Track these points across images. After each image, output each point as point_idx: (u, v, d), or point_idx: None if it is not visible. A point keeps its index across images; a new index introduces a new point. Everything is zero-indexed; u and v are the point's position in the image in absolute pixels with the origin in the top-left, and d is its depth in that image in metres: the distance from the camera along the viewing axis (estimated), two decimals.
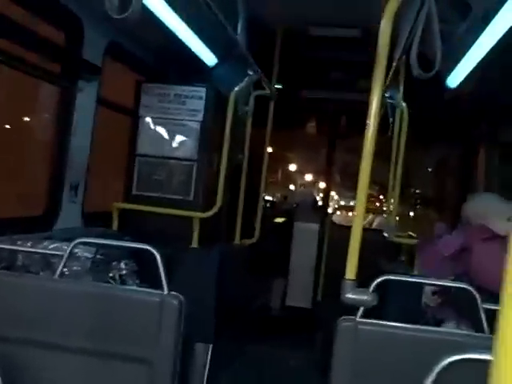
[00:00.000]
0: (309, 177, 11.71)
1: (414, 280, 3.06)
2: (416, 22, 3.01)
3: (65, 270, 2.93)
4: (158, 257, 2.75)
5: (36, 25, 3.94)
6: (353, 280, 2.64)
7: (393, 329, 2.59)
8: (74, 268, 3.14)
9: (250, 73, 5.42)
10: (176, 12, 4.68)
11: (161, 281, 2.77)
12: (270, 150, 6.79)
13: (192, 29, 5.15)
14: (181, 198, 5.43)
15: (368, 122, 2.74)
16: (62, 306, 2.79)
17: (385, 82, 2.98)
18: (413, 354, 2.44)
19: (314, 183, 11.18)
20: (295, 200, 9.11)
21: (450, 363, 1.74)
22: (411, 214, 10.70)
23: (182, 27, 5.02)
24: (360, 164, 2.73)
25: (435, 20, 2.94)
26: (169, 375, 2.70)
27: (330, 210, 8.75)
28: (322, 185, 8.99)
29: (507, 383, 0.70)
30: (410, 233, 7.04)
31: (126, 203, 5.35)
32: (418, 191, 10.67)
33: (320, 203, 8.76)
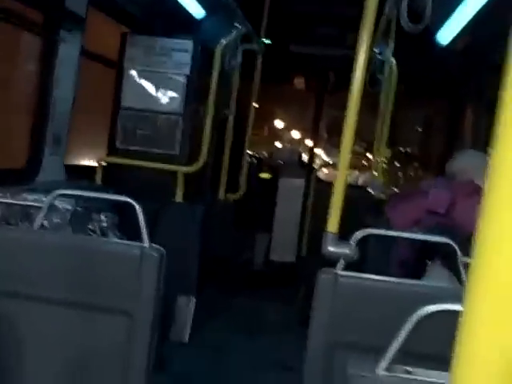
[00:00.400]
0: (296, 134, 11.64)
1: (395, 234, 3.06)
2: None
3: (44, 221, 2.89)
4: (139, 209, 2.72)
5: None
6: (334, 233, 2.63)
7: (372, 281, 2.60)
8: (54, 220, 3.11)
9: (238, 26, 5.33)
10: None
11: (141, 233, 2.74)
12: (256, 105, 6.73)
13: None
14: (166, 152, 5.39)
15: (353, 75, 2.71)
16: (41, 258, 2.77)
17: (374, 37, 2.93)
18: (392, 307, 2.45)
19: (301, 140, 11.13)
20: (281, 157, 9.07)
21: (427, 314, 1.74)
22: (400, 173, 10.71)
23: None
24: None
25: None
26: (149, 327, 2.70)
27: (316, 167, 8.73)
28: (309, 143, 8.95)
29: (475, 333, 0.70)
30: (395, 189, 7.05)
31: (110, 157, 5.30)
32: (405, 149, 10.65)
33: (306, 160, 8.74)
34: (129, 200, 2.76)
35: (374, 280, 2.61)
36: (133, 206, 2.77)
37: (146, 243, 2.74)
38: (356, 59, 2.70)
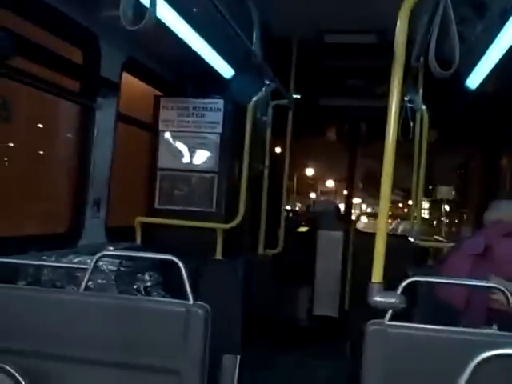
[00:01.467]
0: (330, 184, 11.71)
1: (443, 281, 3.02)
2: (432, 21, 3.00)
3: (90, 283, 2.94)
4: (182, 266, 2.75)
5: (53, 43, 3.99)
6: (379, 283, 2.62)
7: (423, 331, 2.56)
8: (99, 281, 3.16)
9: (267, 82, 5.44)
10: (190, 24, 4.72)
11: (186, 291, 2.77)
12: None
13: (207, 41, 5.19)
14: (203, 210, 5.46)
15: (388, 126, 2.74)
16: (87, 320, 2.80)
17: (403, 85, 2.97)
18: (445, 356, 2.41)
19: (336, 191, 11.16)
20: (318, 209, 9.08)
21: (485, 359, 1.70)
22: (443, 219, 10.63)
23: (197, 40, 5.05)
24: (382, 170, 2.72)
25: (452, 19, 2.93)
26: None
27: (353, 218, 8.71)
28: (344, 192, 8.98)
29: None
30: (437, 236, 6.99)
31: (149, 217, 5.38)
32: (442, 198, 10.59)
33: (343, 211, 8.74)
34: (172, 258, 2.80)
35: (424, 329, 2.57)
36: (176, 264, 2.80)
37: (191, 301, 2.76)
38: (389, 109, 2.74)
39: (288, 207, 9.04)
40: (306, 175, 11.91)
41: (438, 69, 2.84)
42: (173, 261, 2.79)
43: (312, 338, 6.90)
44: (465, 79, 5.60)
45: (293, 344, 6.45)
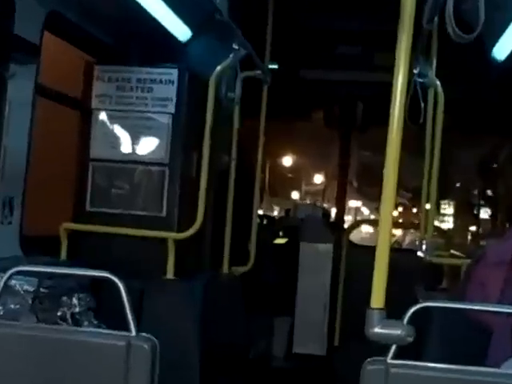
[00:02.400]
0: (317, 181, 11.78)
1: (461, 306, 3.05)
2: None
3: None
4: (122, 287, 2.75)
5: None
6: (381, 309, 2.63)
7: (435, 371, 2.58)
8: (12, 306, 3.13)
9: (236, 48, 5.44)
10: None
11: (127, 319, 2.76)
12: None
13: None
14: (150, 214, 5.45)
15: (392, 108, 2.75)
16: None
17: (412, 54, 2.99)
18: None
19: (324, 190, 11.24)
20: (300, 214, 9.11)
21: None
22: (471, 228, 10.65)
23: None
24: (384, 165, 2.73)
25: None
26: None
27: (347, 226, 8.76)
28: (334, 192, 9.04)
29: None
30: (454, 251, 7.03)
31: (78, 223, 5.35)
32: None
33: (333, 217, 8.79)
34: (109, 276, 2.79)
35: (436, 369, 2.59)
36: (113, 284, 2.79)
37: (133, 332, 2.75)
38: (393, 85, 2.73)
39: (261, 212, 9.05)
40: (285, 170, 11.94)
41: (458, 31, 2.86)
42: (109, 279, 2.78)
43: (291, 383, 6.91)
44: (491, 47, 5.65)
45: None
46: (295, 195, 11.07)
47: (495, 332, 3.50)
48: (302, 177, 12.06)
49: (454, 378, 2.57)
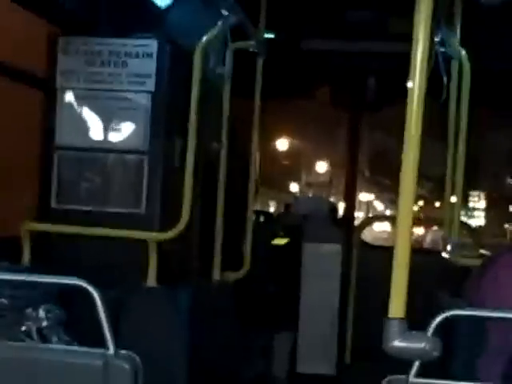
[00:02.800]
0: (321, 170, 11.81)
1: (496, 315, 3.08)
2: None
3: None
4: (98, 297, 2.76)
5: None
6: (401, 319, 2.65)
7: None
8: None
9: (225, 13, 5.45)
10: None
11: (104, 335, 2.78)
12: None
13: None
14: (126, 210, 5.45)
15: (410, 83, 2.76)
16: None
17: (433, 20, 3.00)
18: None
19: (330, 182, 11.26)
20: (302, 210, 9.13)
21: None
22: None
23: None
24: (402, 150, 2.75)
25: None
26: None
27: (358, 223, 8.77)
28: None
29: None
30: (484, 252, 7.06)
31: (43, 223, 5.35)
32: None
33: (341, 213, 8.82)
34: (82, 284, 2.80)
35: None
36: (86, 293, 2.81)
37: (111, 349, 2.77)
38: (412, 55, 2.75)
39: (257, 208, 9.06)
40: (283, 159, 11.96)
41: None
42: (82, 288, 2.79)
43: None
44: None
45: None
46: (295, 187, 11.03)
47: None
48: (303, 165, 12.05)
49: None
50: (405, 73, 2.75)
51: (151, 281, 5.12)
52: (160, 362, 3.67)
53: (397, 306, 2.68)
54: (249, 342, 6.94)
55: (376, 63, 7.97)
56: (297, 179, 11.29)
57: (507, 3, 3.07)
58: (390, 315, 2.68)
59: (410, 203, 2.73)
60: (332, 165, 9.90)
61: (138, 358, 2.82)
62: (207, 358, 5.27)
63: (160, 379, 3.21)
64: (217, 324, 5.90)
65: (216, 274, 6.08)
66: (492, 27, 4.89)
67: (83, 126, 5.55)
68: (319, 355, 7.65)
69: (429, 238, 9.03)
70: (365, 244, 8.12)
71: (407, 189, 2.72)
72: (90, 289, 2.80)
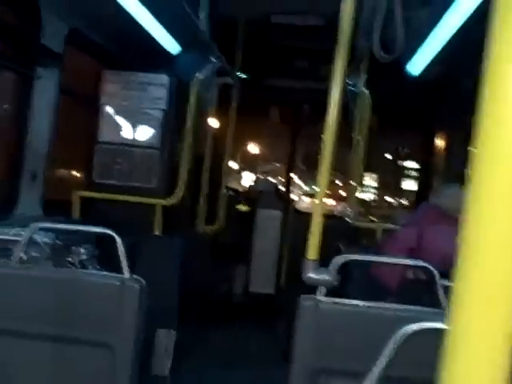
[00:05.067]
0: (273, 165, 11.79)
1: (373, 259, 3.08)
2: (378, 7, 3.01)
3: (23, 256, 2.87)
4: (119, 240, 2.72)
5: None
6: (314, 260, 2.64)
7: (353, 307, 2.61)
8: (33, 254, 3.08)
9: (213, 60, 5.39)
10: None
11: (122, 265, 2.74)
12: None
13: (154, 15, 5.09)
14: (143, 185, 5.40)
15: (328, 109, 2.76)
16: (20, 293, 2.74)
17: (348, 69, 2.99)
18: (374, 331, 2.45)
19: (278, 171, 11.24)
20: (258, 188, 9.08)
21: (408, 333, 1.74)
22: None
23: (144, 13, 4.94)
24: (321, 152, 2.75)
25: (397, 4, 2.95)
26: (130, 360, 2.67)
27: (294, 197, 8.75)
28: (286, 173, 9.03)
29: (458, 349, 0.73)
30: (371, 217, 7.10)
31: (88, 191, 5.29)
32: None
33: (283, 190, 8.78)
34: (108, 231, 2.76)
35: (354, 305, 2.62)
36: (112, 238, 2.76)
37: (127, 274, 2.73)
38: (330, 91, 2.76)
39: (232, 186, 9.03)
40: (249, 155, 11.93)
41: (382, 53, 2.86)
42: (109, 235, 2.75)
43: (247, 314, 6.91)
44: (406, 65, 5.65)
45: (228, 320, 6.46)
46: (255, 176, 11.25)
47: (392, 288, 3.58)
48: (261, 161, 12.10)
49: (369, 312, 2.60)
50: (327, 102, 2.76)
51: (157, 231, 5.09)
52: (160, 286, 3.63)
53: (312, 251, 2.68)
54: (219, 271, 6.92)
55: (310, 95, 7.91)
56: (257, 171, 11.54)
57: (397, 60, 3.05)
58: (307, 256, 2.68)
59: (324, 185, 2.74)
60: (280, 162, 10.03)
61: (144, 282, 2.79)
62: (192, 283, 5.24)
63: (160, 298, 3.17)
64: (199, 261, 5.88)
65: (200, 228, 6.05)
66: (386, 76, 4.87)
67: (117, 129, 5.48)
68: (264, 280, 7.61)
69: (338, 208, 9.13)
70: (296, 211, 8.10)
71: (323, 176, 2.73)
72: (113, 234, 2.76)
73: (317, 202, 2.74)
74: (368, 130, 5.85)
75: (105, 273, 2.89)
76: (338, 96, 2.76)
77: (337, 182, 10.75)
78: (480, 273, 0.75)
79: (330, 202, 10.41)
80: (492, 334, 0.73)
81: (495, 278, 0.73)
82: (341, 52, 2.76)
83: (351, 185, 6.24)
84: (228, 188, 7.53)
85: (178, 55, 6.11)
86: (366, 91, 5.76)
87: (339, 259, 2.66)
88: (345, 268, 2.75)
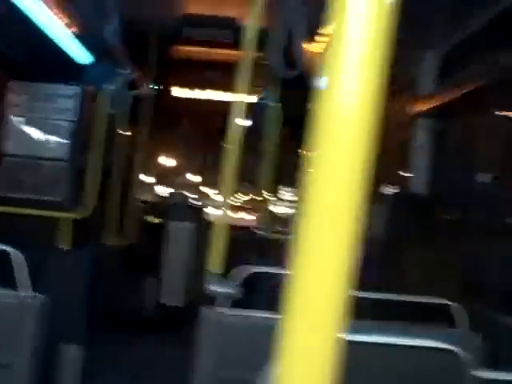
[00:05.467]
0: (189, 177, 11.75)
1: (275, 271, 3.12)
2: (283, 23, 3.06)
3: None
4: (15, 256, 2.64)
5: None
6: (216, 272, 2.65)
7: (252, 318, 2.63)
8: None
9: (125, 72, 5.34)
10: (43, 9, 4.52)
11: (21, 282, 2.65)
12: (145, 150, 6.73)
13: (63, 26, 5.00)
14: (51, 198, 5.25)
15: (234, 119, 2.79)
16: None
17: (255, 82, 3.04)
18: (267, 340, 2.47)
19: (190, 183, 11.21)
20: (170, 200, 9.00)
21: None
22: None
23: (52, 24, 4.85)
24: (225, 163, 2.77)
25: (302, 22, 3.01)
26: (29, 380, 2.59)
27: (209, 210, 8.74)
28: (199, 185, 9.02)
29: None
30: (279, 228, 7.16)
31: None
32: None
33: (195, 203, 8.76)
34: (4, 247, 2.67)
35: (254, 316, 2.63)
36: (10, 254, 2.68)
37: (26, 292, 2.65)
38: (235, 103, 2.80)
39: (145, 199, 8.94)
40: (163, 168, 11.83)
41: (284, 70, 2.92)
42: (5, 251, 2.66)
43: (157, 328, 6.81)
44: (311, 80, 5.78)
45: (139, 334, 6.35)
46: (171, 189, 11.10)
47: None
48: (176, 173, 11.97)
49: (268, 323, 2.62)
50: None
51: (64, 245, 4.98)
52: (67, 302, 3.55)
53: (214, 262, 2.68)
54: (131, 284, 6.81)
55: (223, 106, 7.96)
56: (171, 183, 11.39)
57: (300, 75, 3.12)
58: (210, 268, 2.68)
59: (227, 196, 2.78)
60: (194, 172, 9.98)
61: (45, 298, 2.70)
62: (102, 298, 5.15)
63: (67, 314, 3.09)
64: (109, 274, 5.78)
65: (109, 241, 5.96)
66: (292, 89, 5.00)
67: (23, 141, 5.32)
68: (173, 293, 7.51)
69: (248, 220, 9.16)
70: (209, 222, 8.06)
71: (227, 186, 2.77)
72: (9, 250, 2.67)
73: (219, 212, 2.77)
74: (278, 142, 5.93)
75: (2, 291, 2.78)
76: (242, 107, 2.80)
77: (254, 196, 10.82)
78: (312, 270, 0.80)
79: (247, 215, 10.45)
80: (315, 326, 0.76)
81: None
82: (244, 65, 2.81)
83: (264, 197, 6.31)
84: (141, 201, 7.44)
85: (90, 67, 6.02)
86: (278, 104, 5.86)
87: (240, 271, 2.67)
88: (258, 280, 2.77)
